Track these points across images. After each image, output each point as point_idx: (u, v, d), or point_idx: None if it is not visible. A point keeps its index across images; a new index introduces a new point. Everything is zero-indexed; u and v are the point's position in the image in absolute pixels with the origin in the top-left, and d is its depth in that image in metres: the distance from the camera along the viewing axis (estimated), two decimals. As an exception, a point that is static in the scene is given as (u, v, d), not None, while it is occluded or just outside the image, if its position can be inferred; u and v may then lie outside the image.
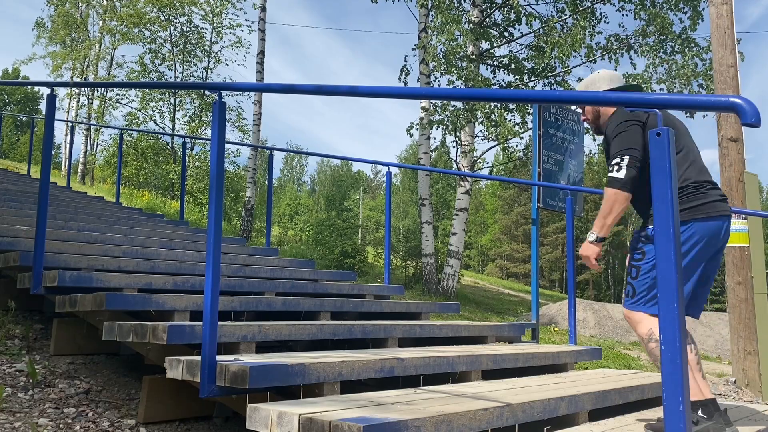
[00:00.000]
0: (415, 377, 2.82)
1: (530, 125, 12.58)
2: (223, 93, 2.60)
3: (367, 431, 1.74)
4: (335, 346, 3.44)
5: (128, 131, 17.47)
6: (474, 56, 12.12)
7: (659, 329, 1.65)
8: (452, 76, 12.22)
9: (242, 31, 32.20)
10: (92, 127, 22.37)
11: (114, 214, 6.88)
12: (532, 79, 12.83)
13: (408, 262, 13.44)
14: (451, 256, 11.80)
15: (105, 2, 22.52)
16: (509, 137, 12.97)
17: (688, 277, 2.54)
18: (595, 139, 13.11)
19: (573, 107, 6.60)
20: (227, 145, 17.36)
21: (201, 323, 2.61)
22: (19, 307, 3.99)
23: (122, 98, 20.83)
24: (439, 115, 12.74)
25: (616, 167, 2.57)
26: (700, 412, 2.46)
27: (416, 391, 2.49)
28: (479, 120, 12.68)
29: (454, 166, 13.36)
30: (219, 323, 2.70)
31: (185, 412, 2.97)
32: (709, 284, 2.69)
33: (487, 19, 12.63)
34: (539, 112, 6.19)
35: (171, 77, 20.29)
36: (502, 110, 12.76)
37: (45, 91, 3.87)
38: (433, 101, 12.00)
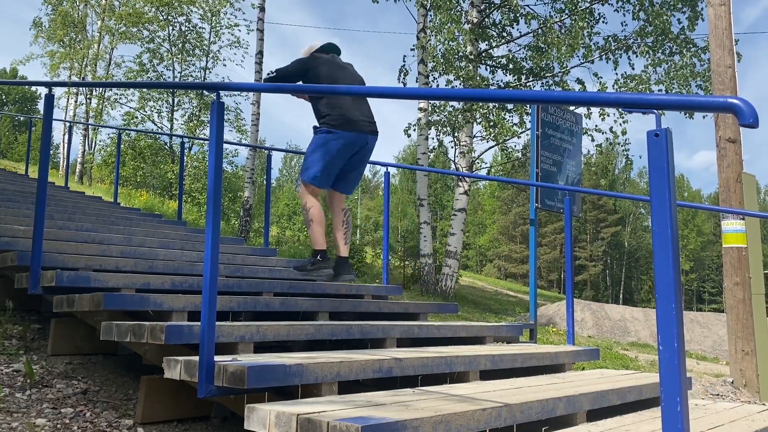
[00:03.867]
0: (413, 377, 2.82)
1: (528, 126, 12.59)
2: (222, 93, 2.60)
3: (365, 431, 1.74)
4: (333, 346, 3.44)
5: (126, 131, 17.45)
6: (473, 56, 12.12)
7: (657, 331, 1.65)
8: (451, 76, 12.22)
9: (240, 31, 32.17)
10: (90, 126, 22.35)
11: (112, 213, 6.87)
12: (531, 79, 12.84)
13: (406, 262, 13.43)
14: (450, 257, 11.80)
15: (103, 1, 22.50)
16: (507, 138, 12.98)
17: (336, 166, 4.06)
18: (593, 140, 13.12)
19: (572, 108, 6.61)
20: (225, 145, 17.35)
21: (199, 323, 2.61)
22: (16, 307, 3.98)
23: (120, 98, 20.83)
24: (438, 115, 12.74)
25: (271, 72, 4.24)
26: (318, 257, 4.08)
27: (414, 392, 2.49)
28: (477, 120, 12.68)
29: (453, 166, 13.37)
30: (217, 323, 2.70)
31: (183, 412, 2.97)
32: (357, 173, 4.26)
33: (486, 20, 12.64)
34: (537, 113, 6.20)
35: (169, 77, 20.28)
36: (501, 110, 12.77)
37: (43, 90, 3.86)
38: (432, 101, 12.01)
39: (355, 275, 4.55)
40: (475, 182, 17.71)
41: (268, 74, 4.27)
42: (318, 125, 4.07)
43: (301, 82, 4.26)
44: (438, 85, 12.95)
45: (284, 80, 4.20)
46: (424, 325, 3.78)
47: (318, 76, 4.09)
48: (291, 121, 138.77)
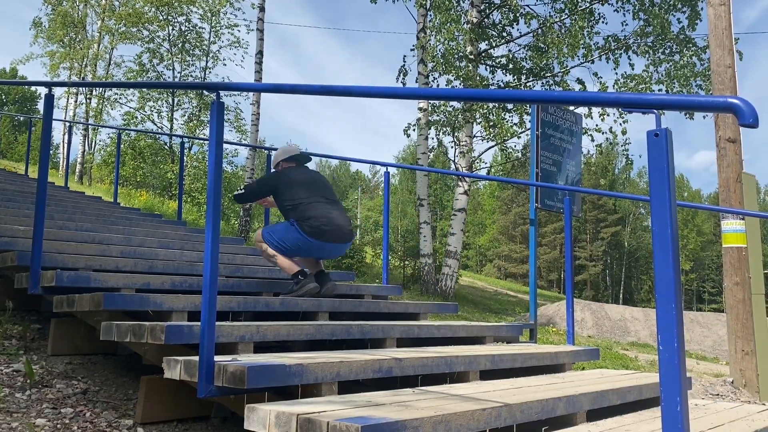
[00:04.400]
0: (413, 377, 2.82)
1: (528, 126, 12.58)
2: (222, 93, 2.60)
3: (365, 431, 1.74)
4: (333, 346, 3.44)
5: (126, 131, 17.44)
6: (472, 56, 12.12)
7: (657, 331, 1.66)
8: (451, 76, 12.22)
9: (240, 31, 32.18)
10: (90, 126, 22.34)
11: (112, 213, 6.87)
12: (531, 79, 12.83)
13: (406, 262, 13.44)
14: (450, 257, 11.79)
15: (103, 1, 22.49)
16: (507, 138, 12.98)
17: (301, 253, 4.20)
18: (593, 140, 13.12)
19: (571, 108, 6.61)
20: (225, 145, 17.34)
21: (199, 323, 2.61)
22: (16, 307, 3.98)
23: (120, 98, 20.82)
24: (437, 115, 12.73)
25: (240, 189, 4.51)
26: (300, 276, 4.12)
27: (414, 392, 2.49)
28: (477, 120, 12.68)
29: (452, 166, 13.37)
30: (217, 323, 2.69)
31: (183, 412, 2.97)
32: (324, 256, 4.36)
33: (486, 20, 12.64)
34: (537, 113, 6.20)
35: (169, 77, 20.27)
36: (501, 110, 12.76)
37: (43, 90, 3.86)
38: (431, 101, 12.00)
39: (354, 275, 4.62)
40: (474, 182, 17.71)
41: (238, 190, 4.51)
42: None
43: (271, 197, 4.41)
44: (438, 85, 12.95)
45: (252, 196, 4.49)
46: (424, 325, 3.78)
47: (290, 181, 4.20)
48: (291, 121, 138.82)
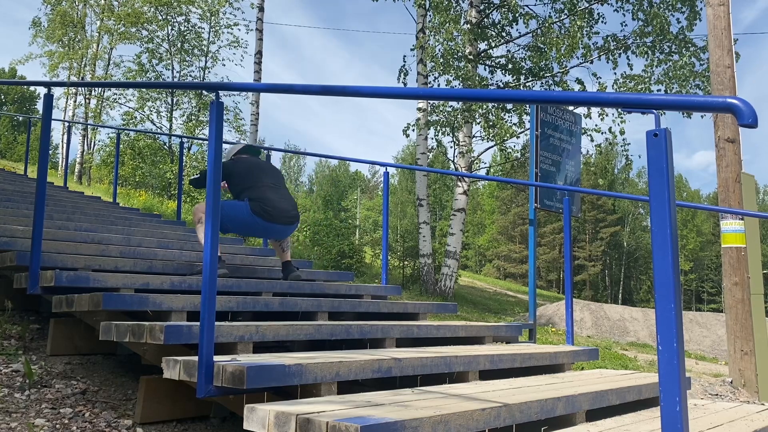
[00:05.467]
0: (412, 377, 2.82)
1: (527, 126, 12.58)
2: (221, 93, 2.60)
3: (364, 431, 1.74)
4: (333, 346, 3.44)
5: (125, 131, 17.43)
6: (472, 56, 12.12)
7: (657, 331, 1.66)
8: (450, 76, 12.22)
9: (239, 30, 32.14)
10: (89, 126, 22.32)
11: (111, 214, 6.86)
12: (530, 79, 12.83)
13: (405, 262, 13.44)
14: (449, 257, 11.79)
15: (102, 1, 22.47)
16: (507, 138, 12.98)
17: (243, 230, 4.51)
18: (593, 140, 13.11)
19: (570, 108, 6.61)
20: (225, 145, 17.30)
21: (198, 323, 2.61)
22: (15, 307, 3.98)
23: (119, 98, 20.81)
24: (437, 115, 12.74)
25: (196, 174, 4.94)
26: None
27: (413, 392, 2.49)
28: (477, 120, 12.67)
29: (452, 166, 13.37)
30: (216, 323, 2.69)
31: (182, 412, 2.97)
32: (270, 236, 4.68)
33: (485, 20, 12.64)
34: (537, 113, 6.20)
35: (168, 77, 20.26)
36: (500, 111, 12.76)
37: (42, 90, 3.85)
38: (431, 101, 12.00)
39: (354, 275, 4.73)
40: (474, 182, 17.71)
41: (194, 176, 4.96)
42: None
43: (225, 182, 4.74)
44: (438, 85, 12.95)
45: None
46: (423, 325, 3.78)
47: (243, 167, 4.59)
48: (290, 121, 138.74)
